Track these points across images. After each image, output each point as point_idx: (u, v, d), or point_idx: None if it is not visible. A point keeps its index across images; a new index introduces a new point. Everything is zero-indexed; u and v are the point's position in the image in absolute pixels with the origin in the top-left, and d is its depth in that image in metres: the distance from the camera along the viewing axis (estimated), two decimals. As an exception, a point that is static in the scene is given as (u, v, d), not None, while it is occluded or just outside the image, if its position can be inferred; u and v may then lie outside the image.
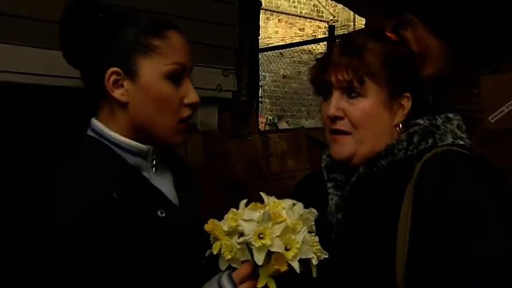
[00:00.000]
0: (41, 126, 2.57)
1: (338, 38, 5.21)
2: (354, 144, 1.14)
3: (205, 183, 2.54)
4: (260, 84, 6.63)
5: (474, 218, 1.00)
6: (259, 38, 4.80)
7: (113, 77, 1.10)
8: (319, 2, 14.68)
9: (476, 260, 0.98)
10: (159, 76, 1.11)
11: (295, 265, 1.00)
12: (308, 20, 14.60)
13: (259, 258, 0.99)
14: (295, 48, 11.82)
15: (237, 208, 1.05)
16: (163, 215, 1.11)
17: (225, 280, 1.03)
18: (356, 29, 11.74)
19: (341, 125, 1.15)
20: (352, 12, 11.81)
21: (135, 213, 1.07)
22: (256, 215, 1.02)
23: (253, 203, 1.06)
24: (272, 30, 13.48)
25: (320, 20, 14.77)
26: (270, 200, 1.06)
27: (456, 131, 1.14)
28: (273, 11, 13.72)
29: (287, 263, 1.00)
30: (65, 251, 1.00)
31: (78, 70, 1.17)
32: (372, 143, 1.14)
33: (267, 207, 1.04)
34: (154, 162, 1.17)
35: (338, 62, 1.13)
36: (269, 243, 0.99)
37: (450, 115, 1.16)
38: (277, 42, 12.29)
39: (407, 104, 1.15)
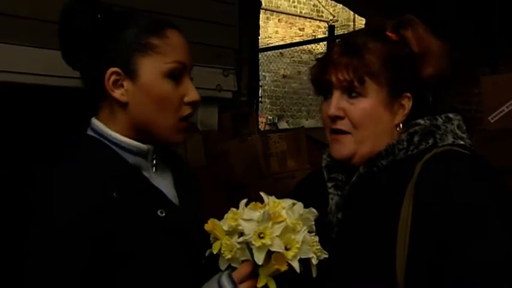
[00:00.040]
0: (41, 126, 2.57)
1: (338, 38, 5.21)
2: (354, 144, 1.14)
3: (205, 183, 2.54)
4: (260, 84, 6.63)
5: (474, 218, 1.00)
6: (259, 37, 4.79)
7: (113, 77, 1.10)
8: (319, 2, 14.68)
9: (476, 260, 0.98)
10: (159, 75, 1.11)
11: (295, 265, 1.00)
12: (308, 19, 14.60)
13: (259, 258, 0.99)
14: (295, 48, 11.82)
15: (237, 208, 1.05)
16: (163, 214, 1.11)
17: (225, 280, 1.03)
18: (356, 29, 11.74)
19: (341, 125, 1.15)
20: (352, 12, 11.81)
21: (135, 212, 1.07)
22: (256, 214, 1.02)
23: (253, 202, 1.06)
24: (272, 30, 13.48)
25: (320, 20, 14.77)
26: (269, 200, 1.06)
27: (456, 131, 1.14)
28: (273, 11, 13.72)
29: (287, 262, 1.00)
30: (65, 250, 1.00)
31: (78, 71, 1.17)
32: (372, 142, 1.14)
33: (267, 207, 1.04)
34: (154, 161, 1.17)
35: (338, 62, 1.13)
36: (269, 242, 0.99)
37: (451, 115, 1.16)
38: (277, 42, 12.29)
39: (407, 104, 1.15)
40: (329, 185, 1.21)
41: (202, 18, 3.18)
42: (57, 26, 1.12)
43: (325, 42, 6.63)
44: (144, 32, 1.11)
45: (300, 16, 14.40)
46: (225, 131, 3.35)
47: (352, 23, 13.87)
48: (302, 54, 13.06)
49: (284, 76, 13.12)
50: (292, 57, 12.99)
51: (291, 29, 14.09)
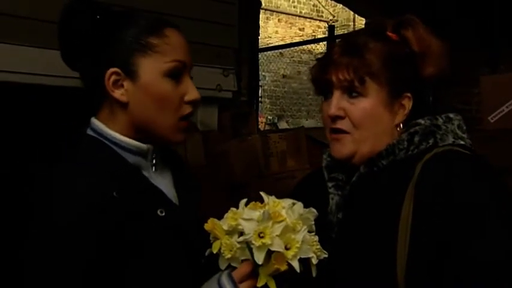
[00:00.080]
0: (41, 126, 2.57)
1: (338, 38, 5.20)
2: (354, 144, 1.14)
3: (205, 183, 2.53)
4: (260, 84, 6.63)
5: (475, 218, 1.00)
6: (259, 37, 4.80)
7: (113, 78, 1.10)
8: (319, 2, 14.69)
9: (477, 260, 0.98)
10: (159, 74, 1.11)
11: (295, 264, 1.00)
12: (308, 19, 14.60)
13: (259, 258, 0.99)
14: (295, 48, 11.83)
15: (237, 207, 1.06)
16: (163, 214, 1.11)
17: (224, 279, 1.03)
18: (356, 29, 11.74)
19: (342, 124, 1.15)
20: (352, 12, 11.82)
21: (135, 212, 1.07)
22: (256, 214, 1.02)
23: (253, 202, 1.06)
24: (272, 30, 13.49)
25: (320, 20, 14.78)
26: (269, 200, 1.06)
27: (457, 131, 1.14)
28: (273, 11, 13.72)
29: (287, 262, 1.00)
30: (65, 250, 1.00)
31: (77, 72, 1.17)
32: (373, 142, 1.14)
33: (266, 207, 1.04)
34: (154, 161, 1.17)
35: (339, 62, 1.13)
36: (269, 242, 0.99)
37: (451, 115, 1.16)
38: (277, 42, 12.29)
39: (408, 104, 1.15)
40: (329, 184, 1.21)
41: (202, 18, 3.18)
42: (57, 26, 1.12)
43: (325, 42, 6.63)
44: (143, 32, 1.11)
45: (299, 16, 14.41)
46: (224, 130, 3.36)
47: (352, 23, 13.87)
48: (302, 54, 13.07)
49: (284, 76, 13.13)
50: (292, 57, 13.00)
51: (290, 29, 14.10)
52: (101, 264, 1.01)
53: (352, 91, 1.13)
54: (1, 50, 2.49)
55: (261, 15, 5.27)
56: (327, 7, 14.73)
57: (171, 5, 2.89)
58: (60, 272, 1.00)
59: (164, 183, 1.18)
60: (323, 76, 1.16)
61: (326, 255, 1.05)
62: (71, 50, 1.13)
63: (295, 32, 14.06)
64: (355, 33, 1.33)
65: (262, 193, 1.08)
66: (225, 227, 1.03)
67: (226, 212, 1.05)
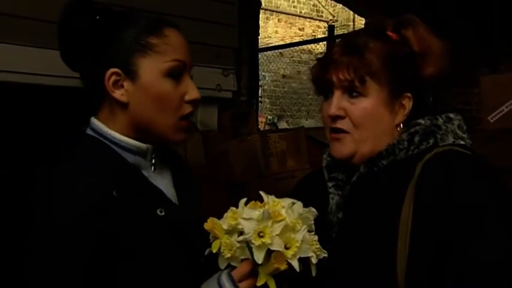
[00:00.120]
0: (41, 126, 2.57)
1: (338, 37, 5.20)
2: (355, 144, 1.14)
3: (205, 182, 2.54)
4: (260, 84, 6.62)
5: (475, 218, 1.00)
6: (259, 37, 4.80)
7: (113, 78, 1.10)
8: (319, 2, 14.69)
9: (476, 260, 0.98)
10: (159, 74, 1.11)
11: (295, 264, 1.00)
12: (308, 19, 14.61)
13: (259, 257, 1.00)
14: (295, 48, 11.83)
15: (237, 207, 1.06)
16: (163, 213, 1.11)
17: (224, 278, 1.03)
18: (356, 29, 11.74)
19: (342, 124, 1.15)
20: (351, 12, 11.82)
21: (134, 212, 1.07)
22: (256, 213, 1.02)
23: (253, 201, 1.06)
24: (272, 30, 13.49)
25: (320, 20, 14.78)
26: (269, 199, 1.06)
27: (457, 131, 1.14)
28: (273, 11, 13.73)
29: (287, 261, 1.00)
30: (65, 250, 1.00)
31: (77, 72, 1.17)
32: (373, 142, 1.14)
33: (266, 206, 1.04)
34: (153, 161, 1.17)
35: (339, 62, 1.13)
36: (269, 241, 0.99)
37: (451, 115, 1.16)
38: (276, 42, 12.30)
39: (408, 103, 1.15)
40: (329, 184, 1.21)
41: (202, 18, 3.18)
42: (57, 26, 1.12)
43: (324, 42, 6.62)
44: (143, 32, 1.11)
45: (299, 16, 14.42)
46: (224, 130, 3.36)
47: (352, 23, 13.88)
48: (302, 54, 13.07)
49: (284, 76, 13.14)
50: (291, 57, 13.01)
51: (290, 29, 14.11)
52: (101, 264, 1.02)
53: (352, 91, 1.13)
54: (1, 50, 2.49)
55: (260, 15, 5.27)
56: (326, 7, 14.73)
57: (171, 5, 2.89)
58: (61, 272, 1.00)
59: (164, 183, 1.18)
60: (323, 76, 1.16)
61: (326, 255, 1.05)
62: (71, 50, 1.13)
63: (295, 32, 14.06)
64: (355, 33, 1.33)
65: (261, 192, 1.08)
66: (225, 227, 1.03)
67: (226, 211, 1.05)
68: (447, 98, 3.97)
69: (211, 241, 1.05)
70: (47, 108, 2.64)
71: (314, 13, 14.80)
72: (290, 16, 14.21)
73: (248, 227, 1.01)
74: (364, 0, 5.51)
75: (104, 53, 1.11)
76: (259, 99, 8.81)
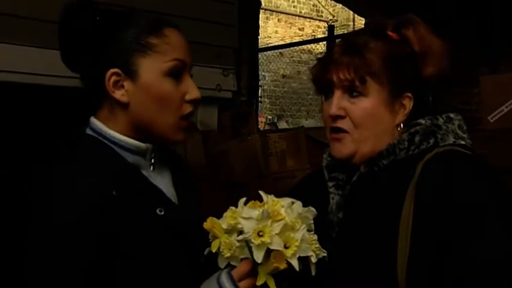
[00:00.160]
0: (41, 126, 2.57)
1: (337, 37, 5.20)
2: (355, 144, 1.14)
3: (205, 182, 2.54)
4: (260, 83, 6.63)
5: (475, 218, 1.00)
6: (259, 37, 4.80)
7: (113, 78, 1.10)
8: (319, 2, 14.70)
9: (476, 260, 0.98)
10: (159, 74, 1.11)
11: (294, 263, 1.00)
12: (307, 19, 14.61)
13: (259, 256, 1.00)
14: (295, 47, 11.84)
15: (236, 207, 1.06)
16: (162, 213, 1.11)
17: (224, 278, 1.03)
18: (355, 28, 11.75)
19: (342, 124, 1.14)
20: (351, 12, 11.82)
21: (134, 211, 1.07)
22: (256, 213, 1.02)
23: (252, 201, 1.06)
24: (272, 30, 13.49)
25: (319, 20, 14.79)
26: (268, 199, 1.06)
27: (457, 131, 1.14)
28: (273, 11, 13.73)
29: (286, 260, 1.00)
30: (65, 250, 1.00)
31: (77, 73, 1.17)
32: (373, 142, 1.14)
33: (265, 206, 1.04)
34: (153, 160, 1.17)
35: (340, 61, 1.13)
36: (268, 241, 0.99)
37: (451, 115, 1.16)
38: (276, 41, 12.30)
39: (408, 103, 1.15)
40: (330, 184, 1.21)
41: (202, 18, 3.18)
42: (57, 26, 1.12)
43: (324, 42, 6.62)
44: (143, 32, 1.11)
45: (299, 16, 14.42)
46: (224, 130, 3.36)
47: (352, 23, 13.89)
48: (302, 54, 13.08)
49: (284, 76, 13.14)
50: (291, 57, 13.01)
51: (290, 28, 14.11)
52: (101, 264, 1.02)
53: (352, 91, 1.13)
54: (1, 50, 2.49)
55: (260, 15, 5.27)
56: (326, 7, 14.74)
57: (171, 5, 2.89)
58: (61, 272, 1.00)
59: (163, 182, 1.18)
60: (324, 76, 1.16)
61: (325, 254, 1.05)
62: (71, 51, 1.13)
63: (294, 32, 14.06)
64: (356, 33, 1.33)
65: (261, 192, 1.08)
66: (224, 226, 1.03)
67: (226, 211, 1.05)
68: (447, 98, 3.97)
69: (210, 240, 1.05)
70: (47, 108, 2.64)
71: (314, 13, 14.80)
72: (290, 16, 14.21)
73: (248, 226, 1.01)
74: (364, 0, 5.51)
75: (104, 53, 1.11)
76: (259, 99, 8.82)
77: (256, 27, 4.56)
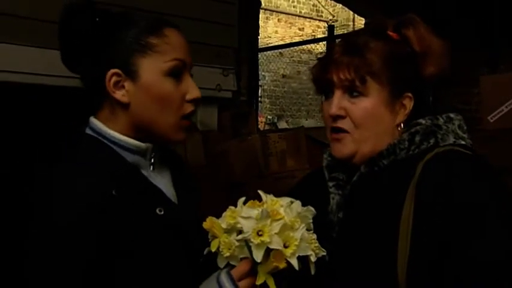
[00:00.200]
0: (41, 126, 2.57)
1: (337, 37, 5.20)
2: (355, 144, 1.14)
3: (205, 182, 2.54)
4: (260, 83, 6.63)
5: (475, 218, 1.00)
6: (259, 37, 4.80)
7: (114, 79, 1.10)
8: (319, 2, 14.70)
9: (477, 260, 0.98)
10: (160, 74, 1.11)
11: (294, 262, 1.00)
12: (307, 19, 14.61)
13: (258, 255, 1.00)
14: (295, 47, 11.84)
15: (236, 207, 1.06)
16: (162, 213, 1.11)
17: (223, 277, 1.03)
18: (355, 28, 11.75)
19: (342, 124, 1.14)
20: (351, 12, 11.82)
21: (134, 211, 1.07)
22: (255, 212, 1.02)
23: (251, 201, 1.06)
24: (271, 30, 13.50)
25: (319, 20, 14.79)
26: (267, 198, 1.06)
27: (458, 131, 1.14)
28: (273, 11, 13.73)
29: (286, 260, 1.00)
30: (65, 251, 1.00)
31: (77, 74, 1.17)
32: (374, 142, 1.14)
33: (265, 205, 1.04)
34: (152, 160, 1.17)
35: (340, 61, 1.13)
36: (268, 240, 0.99)
37: (451, 115, 1.16)
38: (276, 41, 12.30)
39: (409, 103, 1.15)
40: (330, 184, 1.21)
41: (202, 18, 3.18)
42: (57, 26, 1.12)
43: (324, 42, 6.62)
44: (143, 32, 1.11)
45: (299, 16, 14.42)
46: (224, 130, 3.36)
47: (352, 23, 13.89)
48: (301, 54, 13.08)
49: (284, 76, 13.14)
50: (291, 57, 13.01)
51: (290, 28, 14.11)
52: (100, 264, 1.02)
53: (353, 91, 1.13)
54: (1, 50, 2.49)
55: (260, 15, 5.27)
56: (326, 7, 14.74)
57: (171, 5, 2.89)
58: (61, 272, 1.00)
59: (163, 182, 1.18)
60: (324, 75, 1.16)
61: (324, 253, 1.05)
62: (71, 51, 1.13)
63: (294, 32, 14.07)
64: (356, 32, 1.33)
65: (260, 191, 1.08)
66: (224, 226, 1.03)
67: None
68: (447, 98, 3.98)
69: (210, 240, 1.05)
70: (47, 108, 2.64)
71: (314, 13, 14.80)
72: (290, 16, 14.21)
73: (247, 225, 1.01)
74: (364, 0, 5.51)
75: (104, 53, 1.11)
76: (259, 99, 8.82)
77: (256, 27, 4.56)
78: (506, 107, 2.55)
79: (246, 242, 1.01)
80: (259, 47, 5.33)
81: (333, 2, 9.76)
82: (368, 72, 1.11)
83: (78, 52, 1.12)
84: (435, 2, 4.23)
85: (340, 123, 1.15)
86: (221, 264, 1.05)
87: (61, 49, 1.14)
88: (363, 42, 1.14)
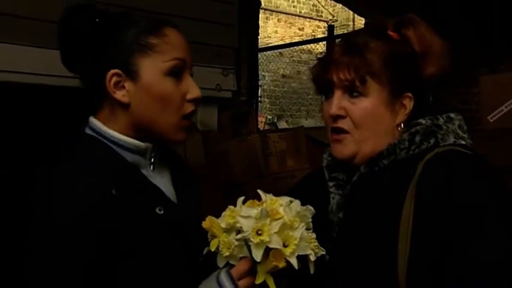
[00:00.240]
0: (41, 126, 2.57)
1: (337, 37, 5.21)
2: (356, 144, 1.14)
3: (205, 182, 2.54)
4: (259, 83, 6.63)
5: (475, 218, 1.00)
6: (259, 37, 4.80)
7: (114, 79, 1.10)
8: (319, 2, 14.70)
9: (477, 259, 0.98)
10: (160, 74, 1.11)
11: (293, 261, 1.00)
12: (307, 19, 14.61)
13: (258, 255, 1.00)
14: (295, 47, 11.84)
15: (235, 206, 1.06)
16: (162, 212, 1.11)
17: (223, 277, 1.03)
18: (355, 28, 11.74)
19: (343, 124, 1.14)
20: (351, 12, 11.83)
21: (134, 210, 1.07)
22: (254, 211, 1.02)
23: (251, 200, 1.06)
24: (271, 30, 13.49)
25: (319, 20, 14.79)
26: (267, 198, 1.06)
27: (458, 130, 1.14)
28: (273, 11, 13.73)
29: (285, 259, 1.00)
30: (65, 250, 1.00)
31: (77, 74, 1.17)
32: (374, 142, 1.14)
33: (264, 205, 1.04)
34: (152, 160, 1.17)
35: (340, 61, 1.13)
36: (267, 239, 0.99)
37: (452, 115, 1.15)
38: (276, 41, 12.30)
39: (409, 103, 1.15)
40: (330, 184, 1.21)
41: (202, 18, 3.19)
42: (57, 26, 1.13)
43: (324, 42, 6.62)
44: (142, 32, 1.11)
45: (299, 16, 14.42)
46: (224, 130, 3.36)
47: (352, 23, 13.89)
48: (301, 54, 13.08)
49: (283, 76, 13.14)
50: (291, 57, 13.01)
51: (290, 28, 14.11)
52: (100, 264, 1.02)
53: (353, 91, 1.13)
54: (1, 50, 2.49)
55: (260, 15, 5.27)
56: (326, 7, 14.74)
57: (171, 5, 2.89)
58: (61, 272, 1.00)
59: (163, 182, 1.18)
60: (324, 76, 1.16)
61: (324, 252, 1.05)
62: (71, 51, 1.13)
63: (294, 32, 14.06)
64: (356, 32, 1.32)
65: (259, 191, 1.08)
66: (223, 225, 1.03)
67: (225, 211, 1.06)
68: (447, 98, 3.98)
69: (209, 240, 1.06)
70: (47, 108, 2.64)
71: (314, 13, 14.80)
72: (290, 16, 14.21)
73: (246, 225, 1.01)
74: (364, 0, 5.51)
75: (104, 53, 1.11)
76: (259, 99, 8.82)
77: (256, 27, 4.56)
78: (506, 107, 2.55)
79: (246, 242, 1.01)
80: (259, 47, 5.34)
81: (333, 2, 9.77)
82: (368, 72, 1.11)
83: (78, 53, 1.12)
84: (435, 2, 4.23)
85: (341, 123, 1.15)
86: (220, 263, 1.05)
87: (61, 50, 1.14)
88: (363, 42, 1.14)
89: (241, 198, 1.07)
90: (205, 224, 1.05)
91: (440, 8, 4.19)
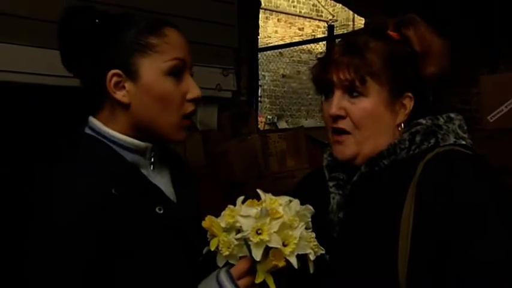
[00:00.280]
0: (41, 126, 2.57)
1: (337, 37, 5.21)
2: (357, 145, 1.14)
3: (205, 182, 2.54)
4: (259, 83, 6.64)
5: (475, 218, 1.00)
6: (259, 37, 4.81)
7: (114, 79, 1.10)
8: (319, 2, 14.70)
9: (477, 259, 0.98)
10: (160, 74, 1.11)
11: (293, 260, 1.00)
12: (307, 19, 14.62)
13: (257, 254, 1.00)
14: (295, 47, 11.85)
15: (235, 206, 1.06)
16: (162, 211, 1.11)
17: (223, 276, 1.03)
18: (355, 28, 11.74)
19: (343, 124, 1.14)
20: (351, 12, 11.82)
21: (134, 210, 1.07)
22: (254, 211, 1.02)
23: (250, 199, 1.06)
24: (271, 30, 13.50)
25: (319, 20, 14.79)
26: (266, 197, 1.06)
27: (458, 130, 1.14)
28: (273, 11, 13.74)
29: (285, 258, 1.00)
30: (65, 250, 1.00)
31: (77, 75, 1.17)
32: (374, 142, 1.14)
33: (264, 204, 1.04)
34: (152, 159, 1.17)
35: (340, 61, 1.13)
36: (267, 238, 0.99)
37: (452, 115, 1.15)
38: (276, 41, 12.31)
39: (409, 103, 1.15)
40: (330, 184, 1.21)
41: (202, 18, 3.18)
42: (57, 26, 1.13)
43: (324, 42, 6.63)
44: (142, 33, 1.11)
45: (299, 16, 14.43)
46: (224, 130, 3.36)
47: (352, 23, 13.89)
48: (301, 54, 13.08)
49: (283, 76, 13.14)
50: (291, 57, 13.01)
51: (290, 28, 14.11)
52: (100, 264, 1.02)
53: (353, 91, 1.13)
54: (1, 50, 2.49)
55: (260, 15, 5.27)
56: (326, 7, 14.74)
57: (171, 5, 2.89)
58: (61, 272, 1.00)
59: (162, 181, 1.18)
60: (324, 76, 1.16)
61: (323, 252, 1.06)
62: (71, 52, 1.13)
63: (294, 32, 14.07)
64: (356, 32, 1.32)
65: (259, 190, 1.08)
66: (223, 224, 1.03)
67: (225, 210, 1.06)
68: (447, 98, 3.98)
69: (209, 239, 1.06)
70: (47, 108, 2.64)
71: (314, 13, 14.80)
72: (290, 16, 14.21)
73: (246, 224, 1.01)
74: (364, 0, 5.51)
75: (104, 54, 1.11)
76: (259, 99, 8.83)
77: (256, 27, 4.57)
78: (506, 106, 2.55)
79: (245, 241, 1.01)
80: (259, 46, 5.34)
81: (332, 2, 9.77)
82: (368, 73, 1.11)
83: (78, 53, 1.12)
84: (435, 2, 4.23)
85: (341, 124, 1.14)
86: (220, 263, 1.05)
87: (61, 50, 1.14)
88: (363, 42, 1.14)
89: (241, 198, 1.07)
90: (205, 224, 1.05)
91: (440, 8, 4.19)
